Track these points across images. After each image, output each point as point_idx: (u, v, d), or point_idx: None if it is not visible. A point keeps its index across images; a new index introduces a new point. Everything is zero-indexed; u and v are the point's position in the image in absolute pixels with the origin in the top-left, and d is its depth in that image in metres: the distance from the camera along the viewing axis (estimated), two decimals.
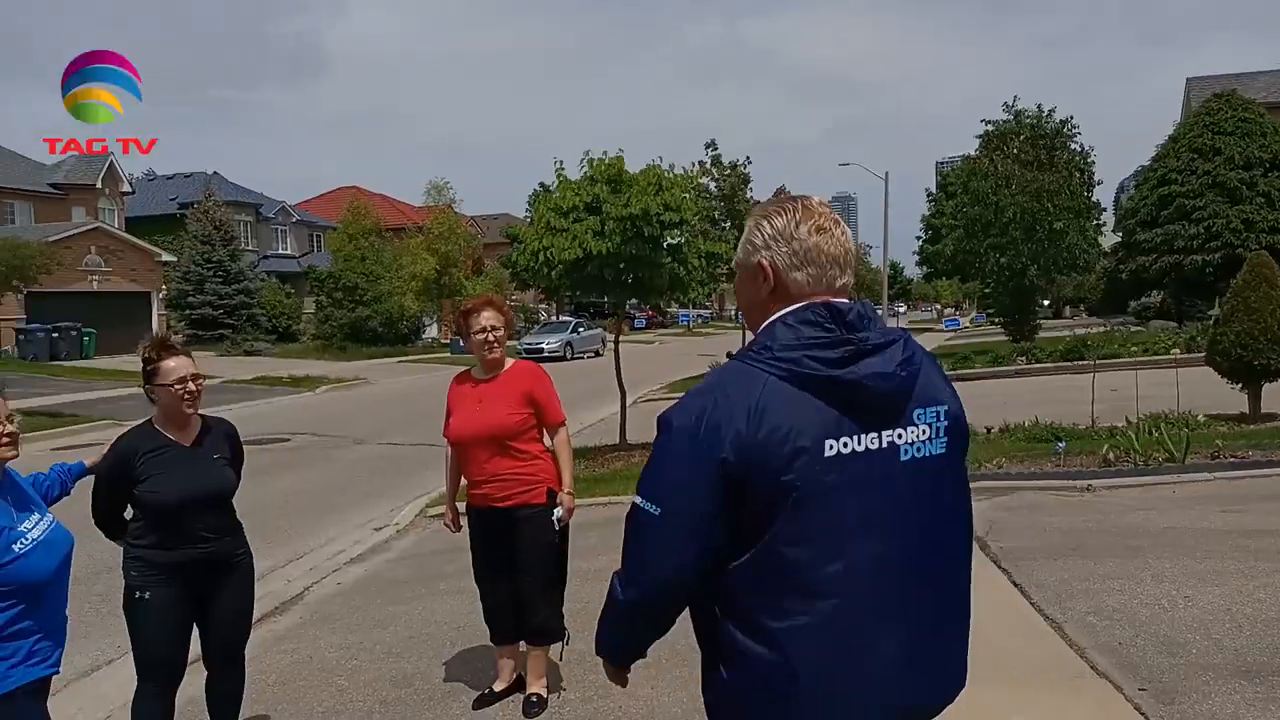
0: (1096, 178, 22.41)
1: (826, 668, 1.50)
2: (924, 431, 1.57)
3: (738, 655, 1.53)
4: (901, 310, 70.28)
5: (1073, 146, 22.25)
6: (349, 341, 34.22)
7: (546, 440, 4.00)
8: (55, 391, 19.55)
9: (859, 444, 1.51)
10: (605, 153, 9.28)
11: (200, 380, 3.23)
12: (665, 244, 8.86)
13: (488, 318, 3.86)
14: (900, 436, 1.54)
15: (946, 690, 1.65)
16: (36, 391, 19.20)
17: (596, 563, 5.55)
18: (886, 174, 42.35)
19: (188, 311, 35.99)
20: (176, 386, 3.14)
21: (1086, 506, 6.82)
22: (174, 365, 3.16)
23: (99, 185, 37.64)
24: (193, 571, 3.17)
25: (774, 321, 1.57)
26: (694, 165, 11.67)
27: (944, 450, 1.60)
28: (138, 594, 3.08)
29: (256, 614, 5.65)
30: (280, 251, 47.56)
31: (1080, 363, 16.60)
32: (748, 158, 17.91)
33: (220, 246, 37.05)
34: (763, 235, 1.63)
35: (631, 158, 9.31)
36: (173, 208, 42.03)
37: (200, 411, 3.29)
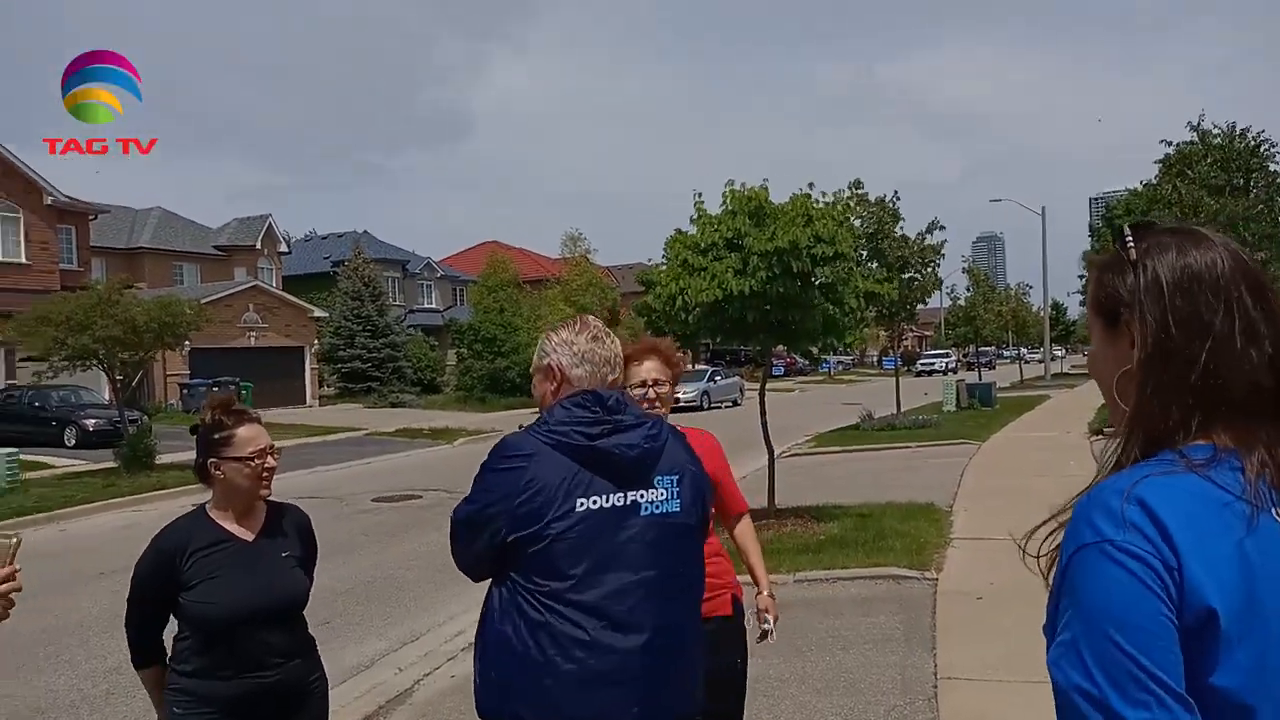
0: None
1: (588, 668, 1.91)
2: (662, 493, 2.02)
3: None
4: (1059, 354, 65.61)
5: (1272, 168, 19.68)
6: (488, 392, 34.48)
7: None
8: None
9: (606, 501, 1.95)
10: (745, 184, 8.35)
11: (276, 454, 2.51)
12: (817, 281, 7.80)
13: (650, 369, 2.96)
14: (643, 496, 1.99)
15: (682, 706, 2.04)
16: (192, 444, 19.84)
17: (776, 668, 4.51)
18: (1043, 209, 39.83)
19: (338, 365, 37.29)
20: (255, 461, 2.44)
21: None
22: (250, 434, 2.47)
23: (258, 246, 39.79)
24: (253, 708, 2.40)
25: (554, 404, 2.05)
26: (839, 196, 10.53)
27: (679, 509, 2.04)
28: None
29: (357, 716, 4.95)
30: (425, 306, 49.02)
31: None
32: (896, 193, 16.65)
33: (369, 302, 38.38)
34: (552, 342, 2.12)
35: (775, 195, 8.35)
36: (326, 266, 44.04)
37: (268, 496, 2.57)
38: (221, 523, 2.47)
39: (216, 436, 2.45)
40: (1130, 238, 1.09)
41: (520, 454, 1.95)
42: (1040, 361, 48.22)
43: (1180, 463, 1.01)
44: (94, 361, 16.17)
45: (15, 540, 1.79)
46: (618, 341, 2.14)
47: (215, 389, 29.52)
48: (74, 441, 20.19)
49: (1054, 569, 1.04)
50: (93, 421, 20.28)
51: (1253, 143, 19.73)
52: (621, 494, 1.97)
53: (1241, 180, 19.32)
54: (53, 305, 16.21)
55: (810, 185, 8.53)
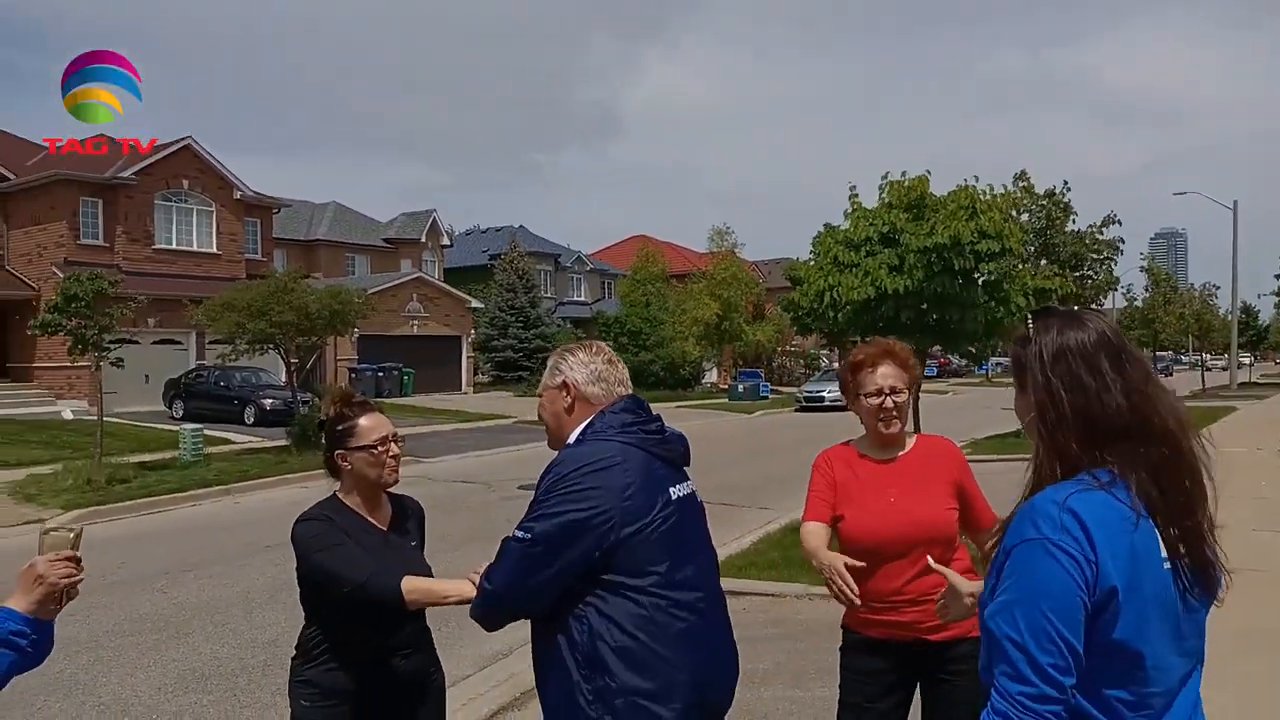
0: None
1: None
2: (690, 481, 2.25)
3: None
4: (1247, 361, 59.89)
5: None
6: (633, 386, 34.83)
7: None
8: None
9: (678, 490, 2.15)
10: (904, 174, 7.97)
11: (400, 442, 2.53)
12: (980, 279, 7.34)
13: (886, 376, 2.74)
14: (687, 484, 2.22)
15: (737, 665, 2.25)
16: None
17: None
18: (1235, 203, 36.41)
19: (491, 354, 38.65)
20: (380, 449, 2.46)
21: None
22: (372, 423, 2.49)
23: (423, 240, 41.71)
24: (379, 699, 2.42)
25: (601, 413, 2.17)
26: (1005, 189, 9.84)
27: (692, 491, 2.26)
28: None
29: (494, 705, 5.00)
30: (575, 299, 50.09)
31: None
32: (1066, 184, 15.55)
33: (522, 294, 39.59)
34: (569, 362, 2.24)
35: (936, 187, 7.92)
36: (484, 259, 45.73)
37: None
38: (359, 511, 2.50)
39: (340, 428, 2.48)
40: (1030, 320, 1.59)
41: (608, 456, 2.04)
42: (1224, 369, 44.17)
43: (1093, 483, 1.44)
44: (272, 345, 17.37)
45: (77, 530, 1.84)
46: (623, 365, 2.31)
47: (380, 374, 31.21)
48: (252, 419, 21.76)
49: (995, 551, 1.50)
50: (269, 401, 21.79)
51: None
52: (683, 483, 2.19)
53: None
54: (237, 292, 17.52)
55: (975, 178, 8.06)
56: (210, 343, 24.39)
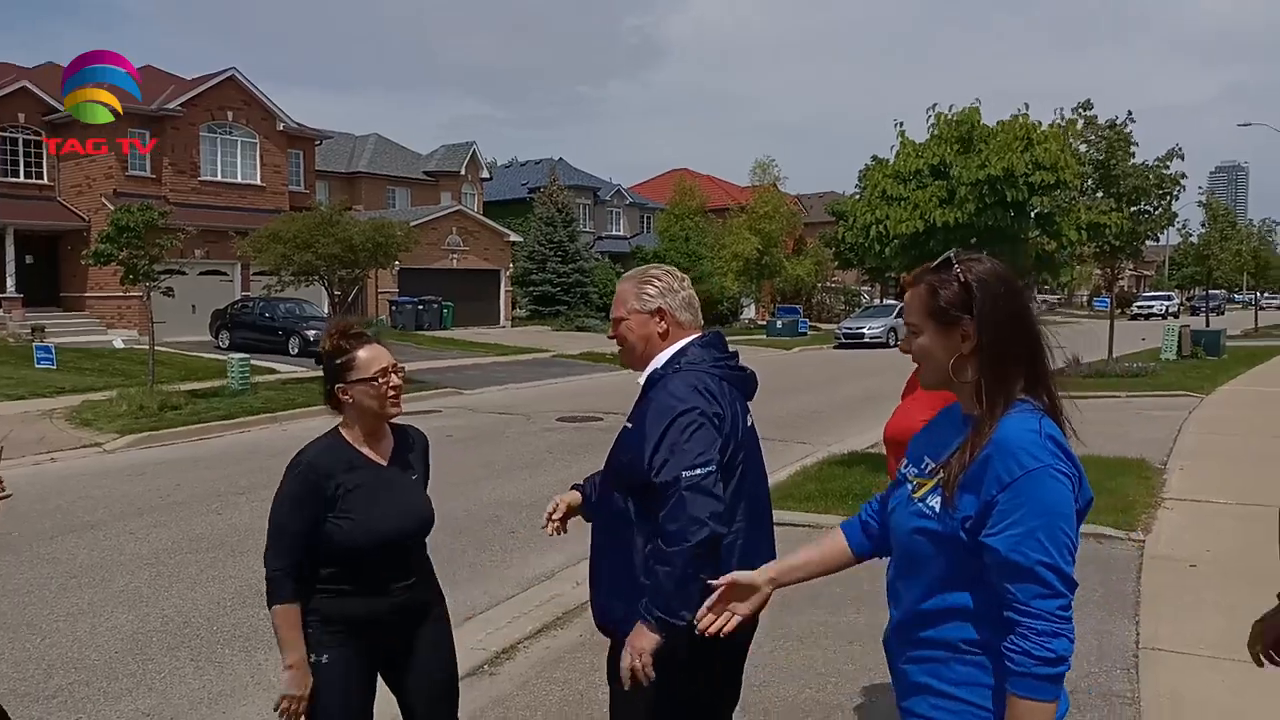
0: None
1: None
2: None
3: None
4: None
5: None
6: None
7: None
8: (414, 359, 21.56)
9: (747, 421, 2.38)
10: (951, 106, 7.75)
11: (402, 372, 2.50)
12: (1033, 212, 7.17)
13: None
14: (750, 418, 2.42)
15: None
16: (400, 358, 21.30)
17: None
18: None
19: (530, 288, 38.74)
20: (380, 380, 2.43)
21: None
22: (371, 355, 2.45)
23: (463, 172, 41.56)
24: (382, 628, 2.46)
25: (686, 345, 2.35)
26: (1061, 120, 9.49)
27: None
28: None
29: (537, 625, 5.15)
30: (613, 233, 49.79)
31: None
32: (1130, 113, 14.98)
33: (561, 228, 39.43)
34: (657, 287, 2.38)
35: (988, 118, 7.68)
36: (523, 192, 45.47)
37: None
38: (358, 446, 2.48)
39: (339, 362, 2.44)
40: (955, 258, 1.65)
41: (710, 389, 2.26)
42: (1279, 309, 42.88)
43: (1038, 409, 1.61)
44: (316, 277, 17.57)
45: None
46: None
47: (420, 307, 31.49)
48: (296, 350, 22.15)
49: (974, 486, 1.57)
50: (313, 333, 22.12)
51: None
52: (749, 415, 2.40)
53: None
54: (282, 224, 17.67)
55: (1026, 106, 7.81)
56: (255, 274, 24.74)
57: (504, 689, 4.23)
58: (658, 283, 2.38)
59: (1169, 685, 3.92)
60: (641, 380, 2.36)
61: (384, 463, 2.52)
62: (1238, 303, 63.00)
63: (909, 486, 1.71)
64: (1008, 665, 1.51)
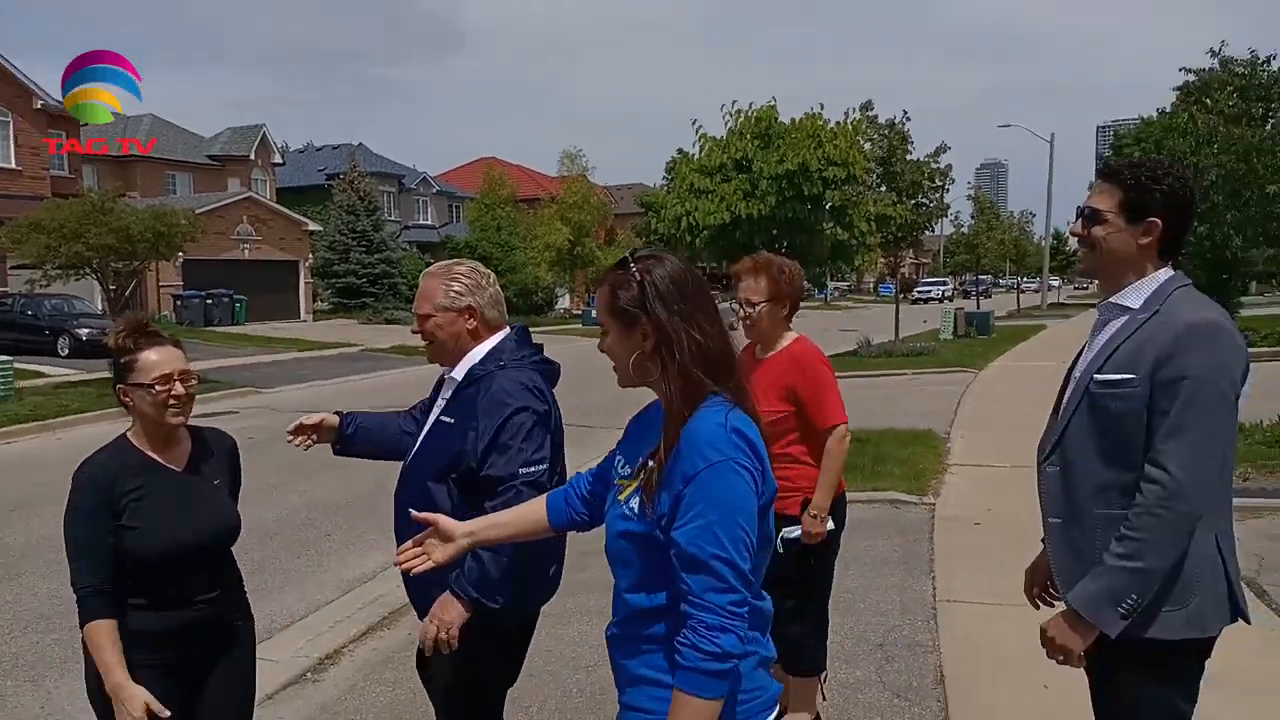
0: None
1: None
2: None
3: None
4: (1056, 284, 65.29)
5: None
6: None
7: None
8: (206, 357, 20.06)
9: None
10: (751, 104, 8.12)
11: (192, 382, 2.31)
12: (828, 205, 7.65)
13: (744, 289, 3.24)
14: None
15: None
16: (190, 356, 19.75)
17: None
18: (1052, 136, 39.15)
19: (332, 280, 37.01)
20: (159, 388, 2.24)
21: None
22: (156, 358, 2.26)
23: (252, 157, 39.05)
24: (183, 643, 2.29)
25: (502, 339, 2.43)
26: (849, 120, 10.21)
27: None
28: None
29: (362, 626, 4.96)
30: (421, 222, 48.44)
31: None
32: (906, 114, 16.25)
33: (364, 217, 37.87)
34: (464, 284, 2.42)
35: (782, 116, 8.09)
36: (321, 179, 43.32)
37: (191, 421, 2.39)
38: (147, 452, 2.31)
39: (122, 361, 2.27)
40: (632, 259, 1.66)
41: (539, 387, 2.38)
42: (1037, 291, 48.05)
43: (727, 403, 1.60)
44: (87, 270, 15.98)
45: None
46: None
47: (209, 301, 29.34)
48: (67, 351, 20.09)
49: (667, 483, 1.58)
50: (86, 331, 20.14)
51: (1276, 72, 19.16)
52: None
53: (1260, 110, 18.83)
54: (45, 212, 15.94)
55: (820, 106, 8.31)
56: (14, 268, 22.17)
57: (329, 695, 4.06)
58: (465, 279, 2.41)
59: (964, 632, 4.33)
60: (459, 376, 2.40)
61: (178, 469, 2.34)
62: (1002, 287, 69.84)
63: (617, 487, 1.72)
64: (676, 659, 1.51)
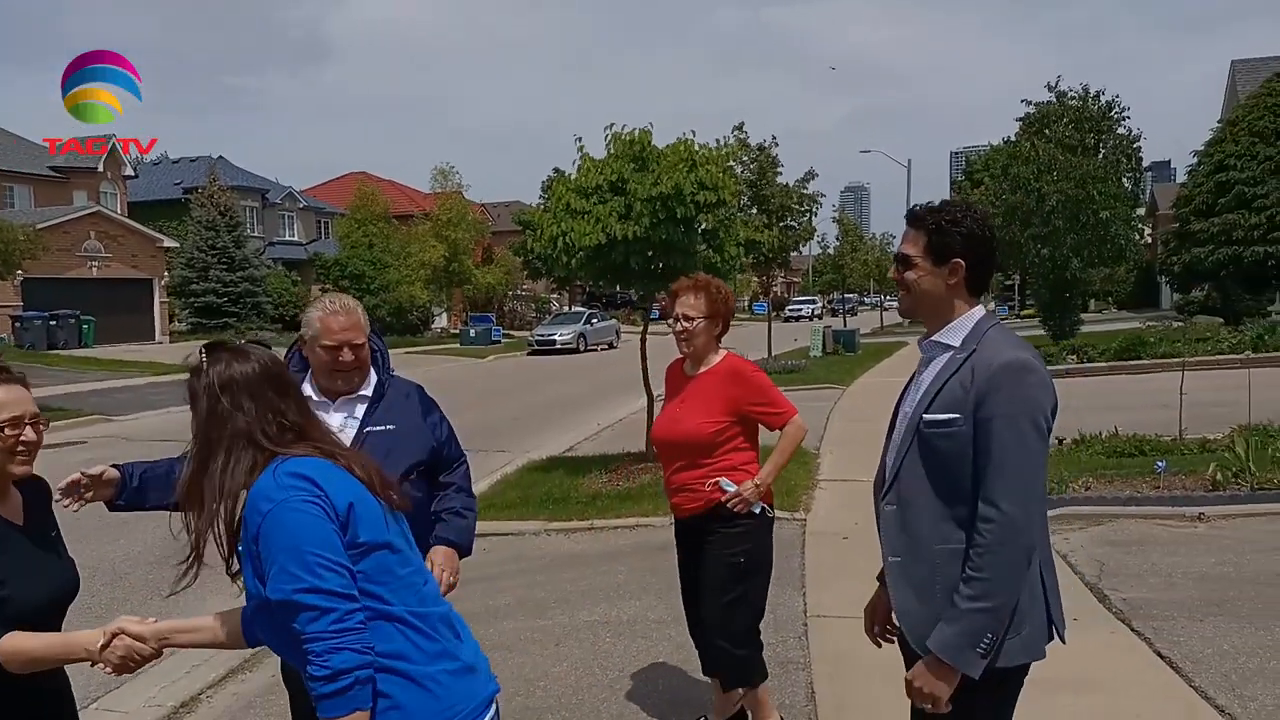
0: (1145, 164, 21.03)
1: None
2: None
3: None
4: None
5: (1120, 131, 20.94)
6: None
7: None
8: (49, 382, 18.65)
9: None
10: (625, 126, 8.22)
11: (41, 425, 2.09)
12: (700, 228, 7.81)
13: (682, 304, 3.39)
14: None
15: None
16: (32, 382, 18.30)
17: (655, 610, 4.55)
18: (909, 162, 41.19)
19: (191, 299, 35.14)
20: (8, 431, 2.01)
21: (1206, 542, 5.78)
22: (4, 398, 2.03)
23: (100, 169, 36.70)
24: (19, 708, 2.03)
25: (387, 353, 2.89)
26: (722, 144, 10.49)
27: None
28: None
29: (221, 671, 4.70)
30: (287, 238, 46.60)
31: (1138, 362, 15.57)
32: (774, 138, 16.85)
33: (225, 232, 36.09)
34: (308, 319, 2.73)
35: (658, 140, 8.25)
36: (177, 193, 41.07)
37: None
38: None
39: None
40: (204, 354, 1.85)
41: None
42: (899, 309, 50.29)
43: (283, 455, 1.74)
44: None
45: None
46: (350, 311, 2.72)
47: (53, 323, 27.34)
48: None
49: (241, 554, 1.75)
50: None
51: (1105, 105, 20.86)
52: None
53: (1093, 140, 20.45)
54: None
55: (693, 132, 8.49)
56: None
57: None
58: (360, 309, 2.77)
59: (833, 647, 4.46)
60: (369, 391, 2.73)
61: (19, 522, 2.09)
62: (867, 304, 72.87)
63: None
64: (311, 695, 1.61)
